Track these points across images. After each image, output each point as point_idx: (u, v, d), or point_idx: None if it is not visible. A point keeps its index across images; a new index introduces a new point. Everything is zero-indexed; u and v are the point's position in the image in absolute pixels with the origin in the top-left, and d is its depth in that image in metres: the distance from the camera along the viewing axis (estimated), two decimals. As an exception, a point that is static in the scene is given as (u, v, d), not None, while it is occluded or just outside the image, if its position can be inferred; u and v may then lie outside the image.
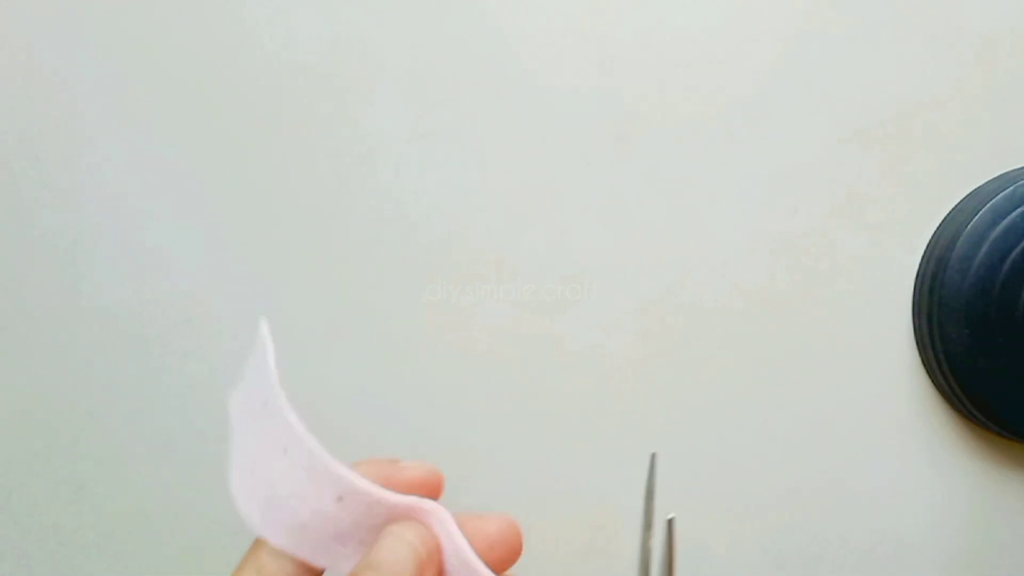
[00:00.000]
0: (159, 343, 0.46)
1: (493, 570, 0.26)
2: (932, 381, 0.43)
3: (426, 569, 0.23)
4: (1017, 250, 0.39)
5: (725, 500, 0.44)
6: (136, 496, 0.47)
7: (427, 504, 0.25)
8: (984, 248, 0.39)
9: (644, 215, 0.44)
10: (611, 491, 0.44)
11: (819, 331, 0.43)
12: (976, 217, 0.40)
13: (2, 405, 0.47)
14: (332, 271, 0.45)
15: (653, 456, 0.27)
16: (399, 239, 0.45)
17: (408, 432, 0.45)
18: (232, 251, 0.46)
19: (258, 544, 0.26)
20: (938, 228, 0.42)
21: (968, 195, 0.42)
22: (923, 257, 0.43)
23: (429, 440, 0.45)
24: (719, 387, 0.44)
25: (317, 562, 0.25)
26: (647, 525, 0.23)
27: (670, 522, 0.26)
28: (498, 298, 0.44)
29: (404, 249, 0.45)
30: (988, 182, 0.42)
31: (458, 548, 0.25)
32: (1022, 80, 0.42)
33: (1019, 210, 0.39)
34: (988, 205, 0.39)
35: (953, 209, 0.42)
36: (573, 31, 0.43)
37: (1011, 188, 0.39)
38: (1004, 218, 0.39)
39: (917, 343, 0.43)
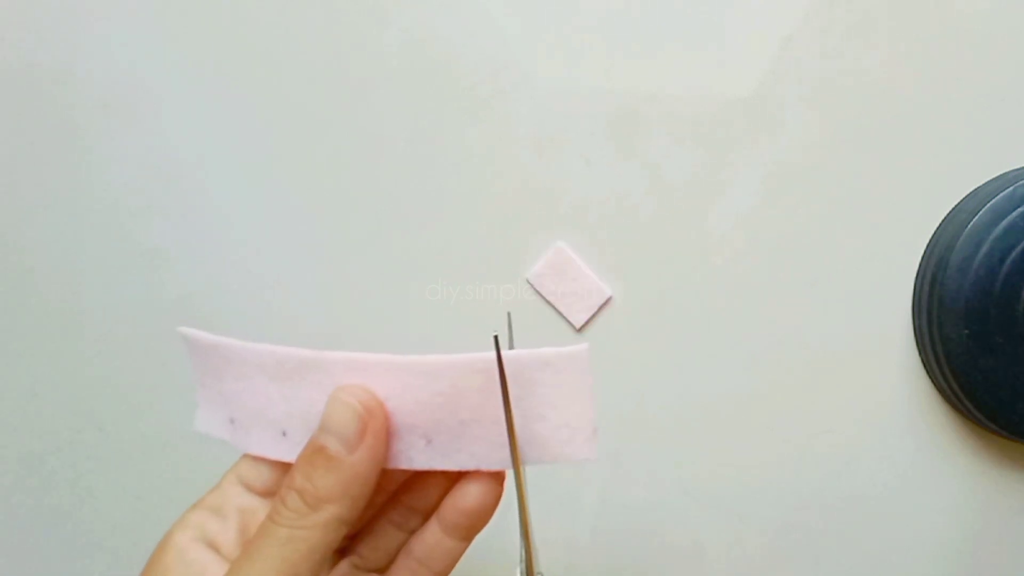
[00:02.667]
0: (159, 343, 0.46)
1: (471, 532, 0.28)
2: (932, 381, 0.43)
3: (366, 423, 0.25)
4: (1017, 250, 0.39)
5: (725, 500, 0.44)
6: (136, 496, 0.47)
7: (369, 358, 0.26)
8: (984, 248, 0.39)
9: (644, 215, 0.44)
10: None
11: (819, 331, 0.43)
12: (976, 217, 0.40)
13: (2, 405, 0.47)
14: (333, 270, 0.45)
15: (508, 315, 0.28)
16: (399, 239, 0.45)
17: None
18: (233, 249, 0.46)
19: (239, 460, 0.29)
20: (938, 228, 0.42)
21: (968, 195, 0.42)
22: (923, 257, 0.43)
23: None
24: (719, 386, 0.44)
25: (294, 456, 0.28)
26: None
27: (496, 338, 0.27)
28: (497, 298, 0.44)
29: (405, 249, 0.45)
30: (988, 182, 0.42)
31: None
32: (1022, 80, 0.42)
33: (1019, 210, 0.39)
34: (988, 205, 0.39)
35: (953, 209, 0.42)
36: (574, 33, 0.43)
37: (1011, 188, 0.39)
38: (1004, 218, 0.39)
39: (917, 343, 0.43)
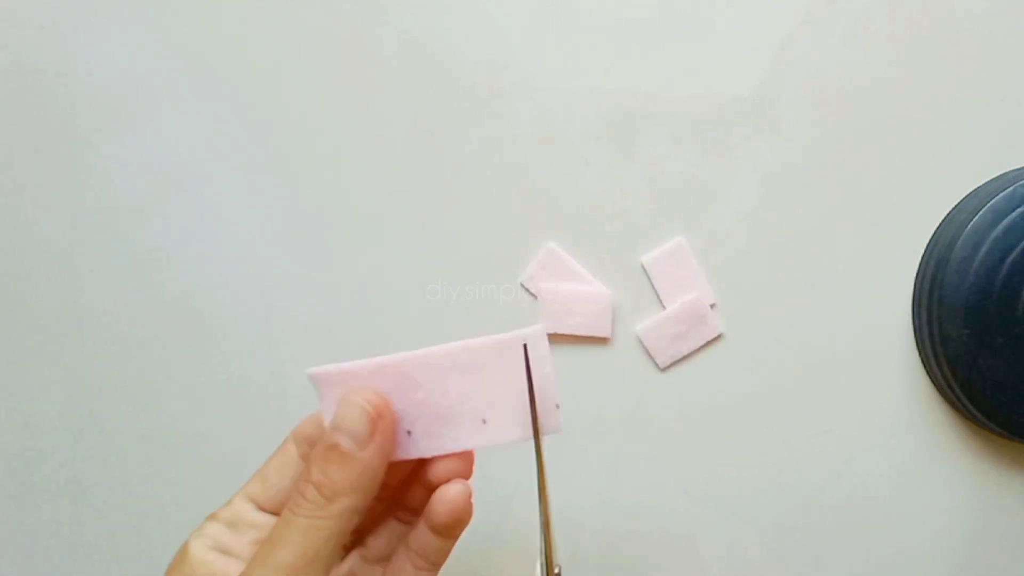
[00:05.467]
0: (159, 343, 0.46)
1: (452, 533, 0.30)
2: (932, 381, 0.43)
3: (376, 423, 0.28)
4: (1017, 250, 0.39)
5: (725, 500, 0.44)
6: (136, 496, 0.47)
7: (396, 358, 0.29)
8: (984, 248, 0.39)
9: (644, 215, 0.44)
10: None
11: (819, 331, 0.43)
12: (976, 217, 0.40)
13: (2, 405, 0.47)
14: (333, 270, 0.45)
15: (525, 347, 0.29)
16: (399, 239, 0.45)
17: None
18: (233, 249, 0.46)
19: (248, 481, 0.31)
20: (938, 228, 0.42)
21: (968, 195, 0.42)
22: (923, 257, 0.43)
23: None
24: (719, 386, 0.44)
25: None
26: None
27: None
28: (497, 298, 0.44)
29: (404, 249, 0.45)
30: (988, 182, 0.42)
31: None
32: (1022, 80, 0.42)
33: (1019, 210, 0.39)
34: (988, 205, 0.40)
35: (953, 209, 0.42)
36: (574, 33, 0.43)
37: (1011, 188, 0.39)
38: (1004, 218, 0.39)
39: (917, 343, 0.43)
